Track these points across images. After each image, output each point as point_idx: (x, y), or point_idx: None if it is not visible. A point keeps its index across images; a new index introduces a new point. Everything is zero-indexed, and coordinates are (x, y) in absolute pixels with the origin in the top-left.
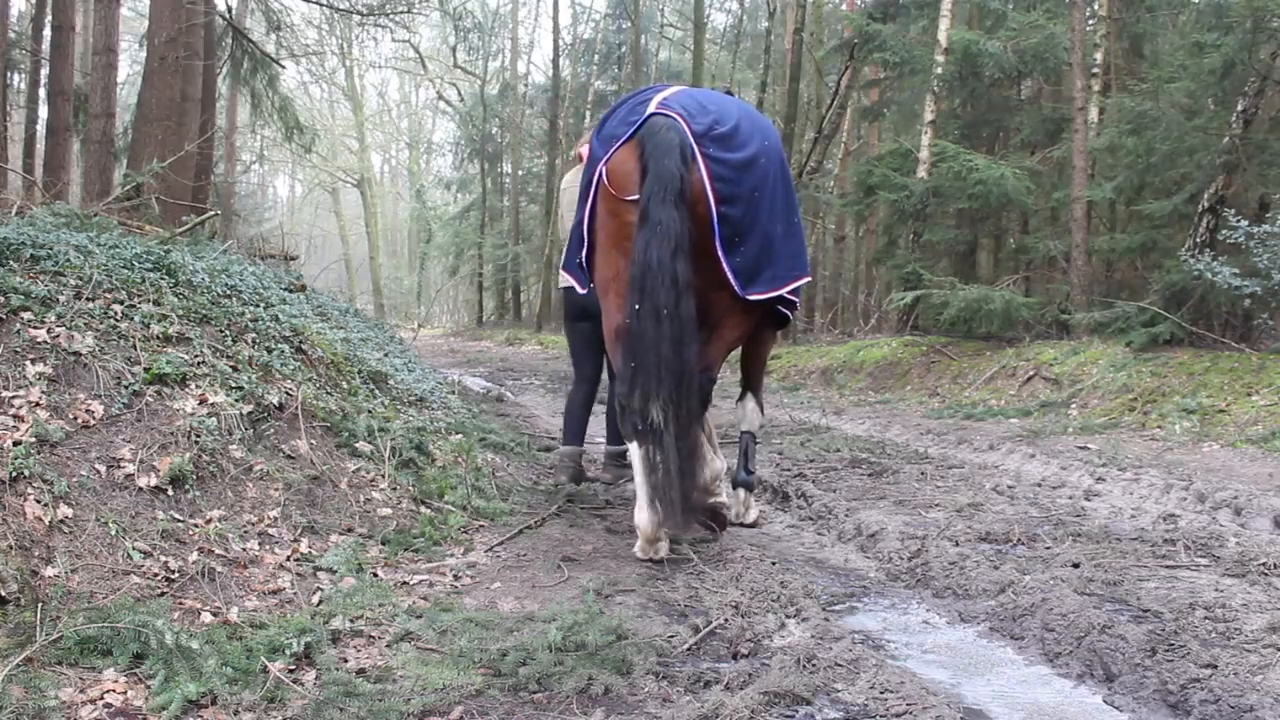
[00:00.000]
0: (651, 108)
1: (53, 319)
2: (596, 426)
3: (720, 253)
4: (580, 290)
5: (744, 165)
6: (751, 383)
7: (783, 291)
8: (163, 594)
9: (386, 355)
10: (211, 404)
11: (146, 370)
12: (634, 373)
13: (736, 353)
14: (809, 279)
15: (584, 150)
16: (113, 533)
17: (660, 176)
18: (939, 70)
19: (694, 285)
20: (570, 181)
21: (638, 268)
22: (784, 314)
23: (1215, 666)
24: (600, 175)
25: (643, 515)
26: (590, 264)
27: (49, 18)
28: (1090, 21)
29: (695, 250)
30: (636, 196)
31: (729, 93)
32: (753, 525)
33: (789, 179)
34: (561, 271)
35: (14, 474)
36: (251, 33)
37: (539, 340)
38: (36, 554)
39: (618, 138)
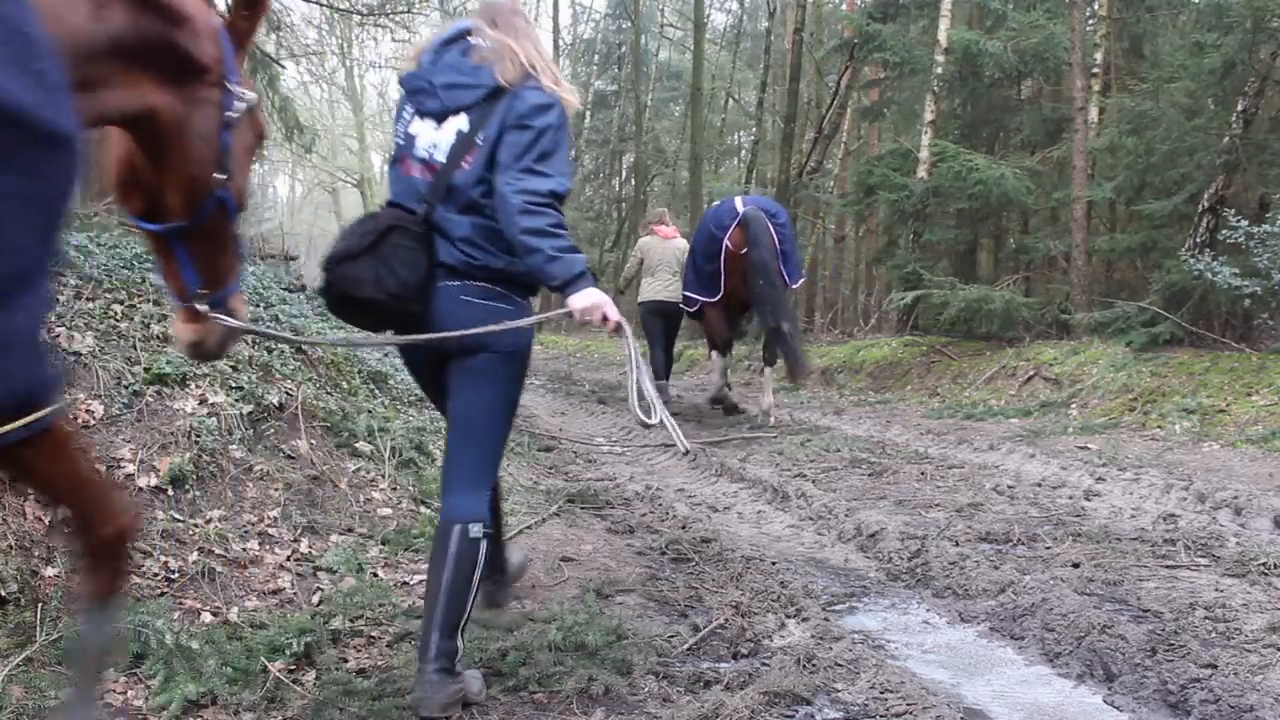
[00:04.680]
0: (740, 207)
1: (52, 319)
2: (597, 426)
3: (781, 266)
4: (712, 300)
5: (784, 226)
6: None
7: (800, 282)
8: (163, 594)
9: (386, 355)
10: (211, 404)
11: (146, 370)
12: (769, 312)
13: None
14: (805, 278)
15: (657, 227)
16: None
17: (761, 233)
18: (939, 70)
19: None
20: (650, 244)
21: (756, 265)
22: None
23: (1215, 666)
24: (725, 245)
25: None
26: (715, 286)
27: None
28: (1090, 21)
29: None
30: (746, 250)
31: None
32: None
33: (792, 230)
34: (684, 291)
35: None
36: None
37: (539, 340)
38: (36, 554)
39: (727, 226)
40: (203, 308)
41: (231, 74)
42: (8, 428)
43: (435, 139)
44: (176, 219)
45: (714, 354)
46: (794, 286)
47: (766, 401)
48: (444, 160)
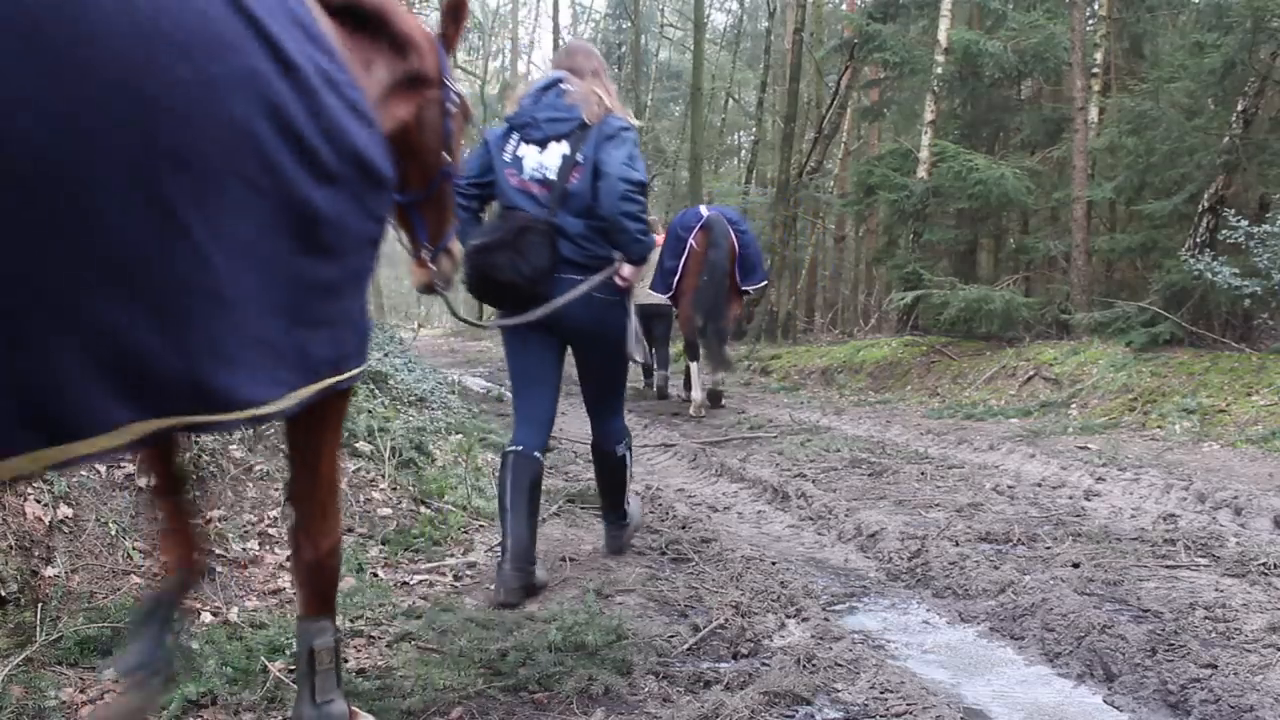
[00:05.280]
0: (705, 212)
1: None
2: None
3: (737, 270)
4: (667, 294)
5: (745, 233)
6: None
7: (760, 285)
8: None
9: (386, 355)
10: None
11: None
12: (705, 309)
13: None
14: (766, 282)
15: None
16: (113, 533)
17: (721, 236)
18: (939, 70)
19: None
20: None
21: (711, 263)
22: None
23: (1215, 666)
24: (690, 244)
25: (696, 393)
26: (676, 283)
27: None
28: (1090, 21)
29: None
30: (708, 249)
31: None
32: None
33: (754, 238)
34: (649, 291)
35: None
36: None
37: None
38: (36, 554)
39: (691, 228)
40: (427, 256)
41: (447, 74)
42: (347, 374)
43: (542, 160)
44: (414, 192)
45: (690, 364)
46: (751, 289)
47: (698, 395)
48: (555, 177)
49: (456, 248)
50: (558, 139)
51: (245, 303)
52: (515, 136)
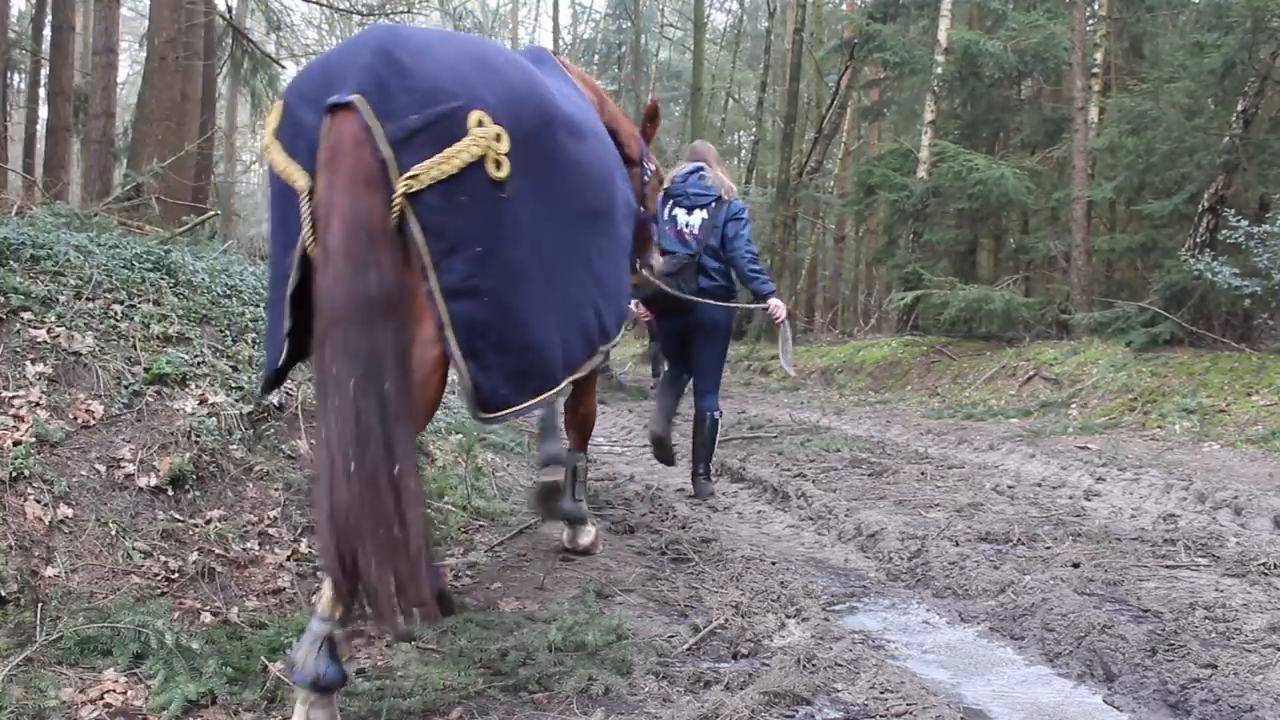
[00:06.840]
0: None
1: (53, 319)
2: (597, 426)
3: None
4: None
5: None
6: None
7: None
8: (163, 594)
9: None
10: (211, 404)
11: (146, 370)
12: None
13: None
14: None
15: None
16: (113, 533)
17: None
18: (939, 70)
19: None
20: None
21: None
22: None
23: (1215, 666)
24: None
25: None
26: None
27: (49, 18)
28: (1090, 21)
29: None
30: None
31: None
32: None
33: None
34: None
35: (14, 474)
36: (252, 33)
37: None
38: (36, 554)
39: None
40: (637, 267)
41: (644, 156)
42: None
43: (689, 220)
44: None
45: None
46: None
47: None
48: (698, 232)
49: (657, 261)
50: (700, 207)
51: (615, 288)
52: (671, 202)
